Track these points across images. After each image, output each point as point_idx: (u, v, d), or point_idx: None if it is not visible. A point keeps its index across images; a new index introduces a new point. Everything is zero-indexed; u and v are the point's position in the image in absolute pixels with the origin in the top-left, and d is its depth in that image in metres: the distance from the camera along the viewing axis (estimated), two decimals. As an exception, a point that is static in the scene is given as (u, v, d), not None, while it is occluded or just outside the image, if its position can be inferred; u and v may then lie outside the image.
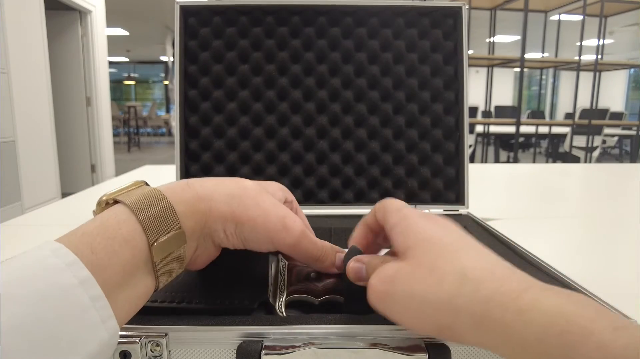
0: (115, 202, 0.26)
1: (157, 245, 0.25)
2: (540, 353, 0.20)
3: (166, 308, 0.31)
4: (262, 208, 0.29)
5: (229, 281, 0.33)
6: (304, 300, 0.33)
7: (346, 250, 0.33)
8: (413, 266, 0.25)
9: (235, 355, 0.29)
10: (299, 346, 0.28)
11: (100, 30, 4.40)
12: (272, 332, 0.29)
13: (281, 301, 0.33)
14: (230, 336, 0.29)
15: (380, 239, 0.34)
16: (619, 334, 0.18)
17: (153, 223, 0.25)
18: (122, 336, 0.28)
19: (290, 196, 0.36)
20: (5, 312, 0.19)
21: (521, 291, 0.22)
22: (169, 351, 0.29)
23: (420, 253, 0.25)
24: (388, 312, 0.26)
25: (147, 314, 0.29)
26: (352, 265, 0.31)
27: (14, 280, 0.20)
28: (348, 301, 0.32)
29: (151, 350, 0.28)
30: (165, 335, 0.28)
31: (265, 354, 0.28)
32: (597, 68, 4.21)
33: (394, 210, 0.30)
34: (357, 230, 0.34)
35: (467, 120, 0.62)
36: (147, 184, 0.29)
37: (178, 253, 0.26)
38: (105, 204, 0.26)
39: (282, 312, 0.32)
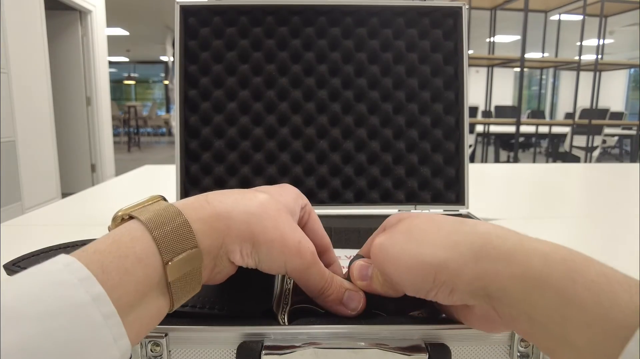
0: (131, 218, 0.25)
1: (172, 264, 0.24)
2: (544, 278, 0.20)
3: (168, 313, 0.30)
4: (280, 230, 0.28)
5: (234, 288, 0.32)
6: (309, 309, 0.33)
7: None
8: (412, 222, 0.28)
9: (235, 355, 0.29)
10: (299, 346, 0.28)
11: (100, 30, 4.40)
12: (272, 332, 0.29)
13: (284, 311, 0.32)
14: (231, 336, 0.29)
15: None
16: (614, 269, 0.20)
17: (168, 241, 0.24)
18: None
19: (304, 201, 0.35)
20: (17, 330, 0.18)
21: (520, 234, 0.23)
22: (169, 351, 0.29)
23: (415, 216, 0.29)
24: (386, 266, 0.27)
25: None
26: (358, 262, 0.31)
27: (25, 296, 0.19)
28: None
29: (151, 350, 0.28)
30: (165, 335, 0.28)
31: (266, 354, 0.28)
32: (597, 68, 4.21)
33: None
34: (368, 241, 0.34)
35: (467, 120, 0.62)
36: (164, 199, 0.28)
37: (194, 273, 0.25)
38: (121, 219, 0.25)
39: (284, 322, 0.31)
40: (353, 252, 0.54)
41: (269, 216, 0.28)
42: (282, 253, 0.28)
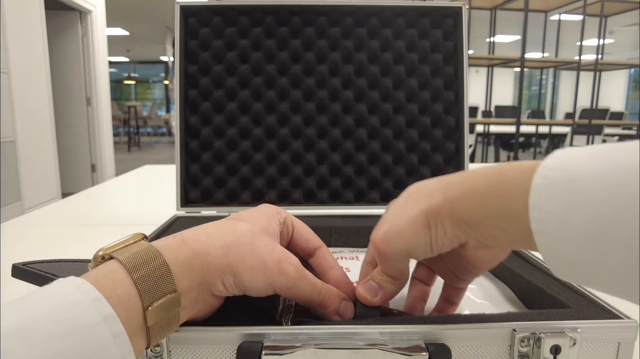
0: (111, 257, 0.26)
1: (152, 309, 0.24)
2: (483, 188, 0.26)
3: None
4: (257, 254, 0.28)
5: (239, 299, 0.32)
6: (312, 318, 0.33)
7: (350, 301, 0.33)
8: (391, 205, 0.31)
9: (235, 355, 0.29)
10: (299, 347, 0.28)
11: (100, 30, 4.40)
12: (272, 332, 0.29)
13: (287, 319, 0.33)
14: (231, 336, 0.29)
15: None
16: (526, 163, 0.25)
17: (148, 285, 0.24)
18: None
19: (283, 215, 0.35)
20: (31, 350, 0.19)
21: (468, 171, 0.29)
22: (169, 351, 0.29)
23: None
24: (393, 244, 0.29)
25: None
26: (360, 286, 0.32)
27: (38, 317, 0.20)
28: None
29: (151, 350, 0.28)
30: (166, 335, 0.28)
31: (266, 354, 0.28)
32: (597, 68, 4.21)
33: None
34: (361, 271, 0.35)
35: (467, 120, 0.62)
36: (145, 237, 0.28)
37: (172, 316, 0.26)
38: (102, 258, 0.26)
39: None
40: (353, 252, 0.54)
41: (244, 243, 0.29)
42: (264, 276, 0.28)
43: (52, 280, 0.23)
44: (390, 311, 0.35)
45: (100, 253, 0.26)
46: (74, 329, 0.20)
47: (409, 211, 0.29)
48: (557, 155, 0.23)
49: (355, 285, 0.33)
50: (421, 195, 0.29)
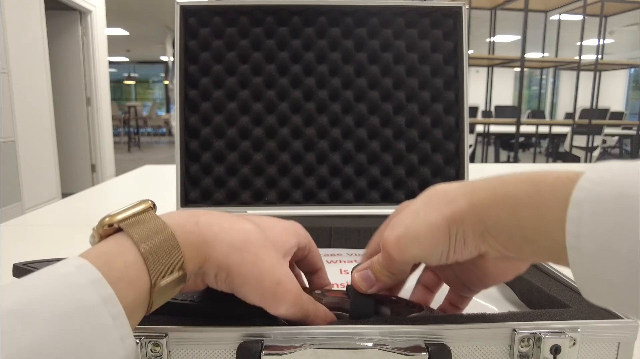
0: (119, 229, 0.25)
1: (159, 286, 0.24)
2: (517, 196, 0.24)
3: (169, 302, 0.30)
4: (258, 267, 0.28)
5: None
6: None
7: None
8: (410, 206, 0.30)
9: (235, 355, 0.29)
10: (299, 347, 0.28)
11: (100, 30, 4.40)
12: (272, 332, 0.29)
13: None
14: (231, 336, 0.29)
15: None
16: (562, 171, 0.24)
17: (158, 265, 0.24)
18: None
19: (304, 240, 0.34)
20: (30, 331, 0.19)
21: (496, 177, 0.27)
22: (169, 351, 0.29)
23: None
24: (408, 249, 0.28)
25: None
26: (357, 274, 0.32)
27: (38, 298, 0.20)
28: (354, 315, 0.32)
29: (151, 350, 0.28)
30: (165, 335, 0.28)
31: (266, 354, 0.28)
32: (597, 68, 4.21)
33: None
34: (363, 258, 0.35)
35: (467, 120, 0.62)
36: (154, 206, 0.27)
37: (174, 290, 0.26)
38: (108, 226, 0.25)
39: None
40: (353, 252, 0.54)
41: (250, 251, 0.28)
42: (255, 291, 0.28)
43: None
44: (387, 297, 0.34)
45: (107, 219, 0.25)
46: (74, 310, 0.20)
47: (428, 216, 0.28)
48: (603, 168, 0.22)
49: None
50: (443, 200, 0.28)
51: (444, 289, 0.35)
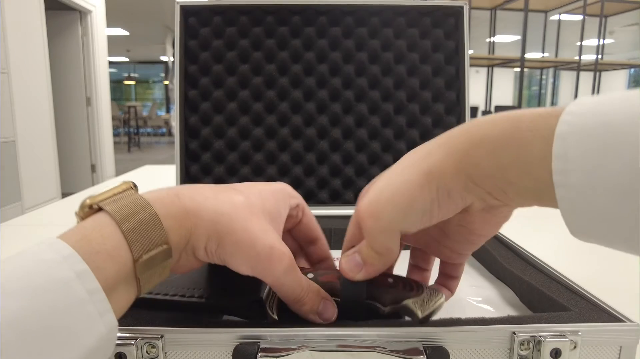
0: (100, 209, 0.24)
1: (142, 261, 0.24)
2: (494, 136, 0.23)
3: (160, 300, 0.30)
4: (249, 232, 0.27)
5: (223, 279, 0.32)
6: None
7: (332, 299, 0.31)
8: (383, 174, 0.28)
9: (231, 357, 0.28)
10: (295, 349, 0.28)
11: (100, 30, 4.40)
12: (268, 334, 0.28)
13: (272, 301, 0.31)
14: (227, 338, 0.29)
15: None
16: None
17: (138, 237, 0.24)
18: (117, 338, 0.28)
19: (296, 201, 0.33)
20: (4, 305, 0.19)
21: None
22: (165, 353, 0.29)
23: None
24: (384, 215, 0.26)
25: (140, 307, 0.28)
26: (345, 259, 0.30)
27: (9, 274, 0.20)
28: (345, 301, 0.31)
29: (147, 352, 0.28)
30: (161, 337, 0.28)
31: (262, 356, 0.28)
32: (597, 68, 4.21)
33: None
34: (346, 238, 0.32)
35: (468, 120, 0.62)
36: (134, 187, 0.26)
37: (163, 267, 0.25)
38: (89, 208, 0.24)
39: (272, 311, 0.31)
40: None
41: (239, 217, 0.27)
42: (248, 257, 0.27)
43: None
44: (383, 281, 0.31)
45: (88, 201, 0.24)
46: (46, 285, 0.20)
47: (404, 175, 0.26)
48: (583, 101, 0.21)
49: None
50: (418, 156, 0.26)
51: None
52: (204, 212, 0.26)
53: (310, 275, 0.32)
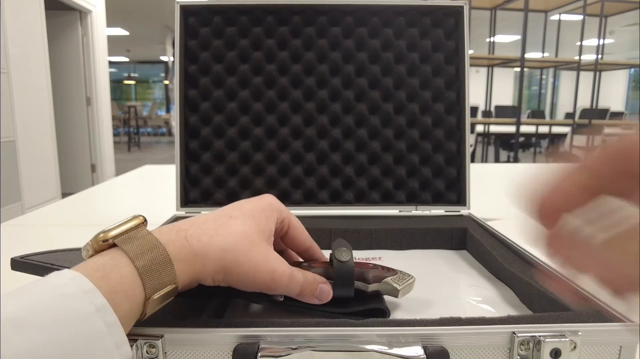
0: (114, 244, 0.26)
1: (153, 300, 0.26)
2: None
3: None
4: (253, 263, 0.30)
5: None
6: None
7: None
8: None
9: (231, 357, 0.28)
10: (295, 349, 0.28)
11: (100, 30, 4.40)
12: (268, 334, 0.29)
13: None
14: (227, 338, 0.29)
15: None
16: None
17: (153, 280, 0.26)
18: None
19: (282, 214, 0.36)
20: (25, 338, 0.19)
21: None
22: (165, 353, 0.29)
23: None
24: None
25: None
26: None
27: (33, 305, 0.21)
28: (337, 285, 0.35)
29: (147, 352, 0.28)
30: (161, 337, 0.28)
31: (262, 356, 0.28)
32: (597, 68, 4.21)
33: None
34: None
35: (468, 120, 0.62)
36: (145, 221, 0.29)
37: (167, 300, 0.28)
38: (102, 241, 0.26)
39: (281, 297, 0.34)
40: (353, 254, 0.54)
41: (242, 251, 0.30)
42: (254, 283, 0.30)
43: (51, 269, 0.23)
44: (366, 264, 0.37)
45: (102, 236, 0.26)
46: (68, 319, 0.21)
47: None
48: None
49: None
50: None
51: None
52: (211, 252, 0.29)
53: (305, 264, 0.37)
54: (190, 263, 0.28)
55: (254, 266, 0.30)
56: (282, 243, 0.39)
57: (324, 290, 0.34)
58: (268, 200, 0.36)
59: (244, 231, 0.31)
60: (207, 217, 0.32)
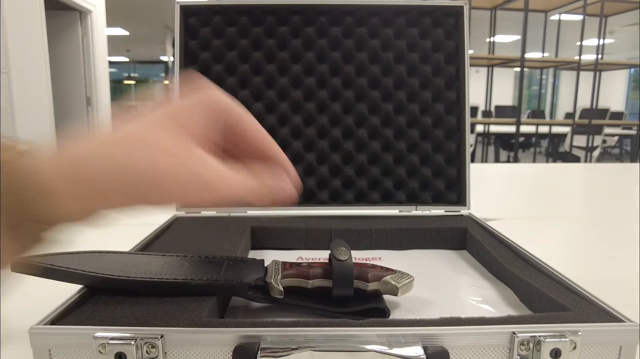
0: None
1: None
2: None
3: (172, 283, 0.34)
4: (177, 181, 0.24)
5: (228, 266, 0.37)
6: (297, 285, 0.36)
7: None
8: None
9: (231, 357, 0.28)
10: (295, 349, 0.28)
11: (100, 30, 4.40)
12: (268, 334, 0.29)
13: (277, 278, 0.36)
14: (227, 337, 0.29)
15: None
16: None
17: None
18: (117, 338, 0.28)
19: (220, 109, 0.27)
20: None
21: None
22: (165, 353, 0.29)
23: None
24: None
25: (147, 287, 0.28)
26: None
27: None
28: (337, 284, 0.35)
29: (147, 352, 0.28)
30: (161, 337, 0.28)
31: (262, 356, 0.28)
32: (597, 68, 4.21)
33: None
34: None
35: (468, 120, 0.62)
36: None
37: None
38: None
39: (277, 284, 0.35)
40: (353, 254, 0.54)
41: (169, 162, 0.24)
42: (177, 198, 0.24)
43: (50, 269, 0.22)
44: (365, 264, 0.38)
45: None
46: None
47: None
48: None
49: None
50: None
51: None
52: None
53: (305, 264, 0.38)
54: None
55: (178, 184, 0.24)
56: (239, 153, 0.29)
57: (283, 182, 0.28)
58: (202, 96, 0.27)
59: (168, 146, 0.25)
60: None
